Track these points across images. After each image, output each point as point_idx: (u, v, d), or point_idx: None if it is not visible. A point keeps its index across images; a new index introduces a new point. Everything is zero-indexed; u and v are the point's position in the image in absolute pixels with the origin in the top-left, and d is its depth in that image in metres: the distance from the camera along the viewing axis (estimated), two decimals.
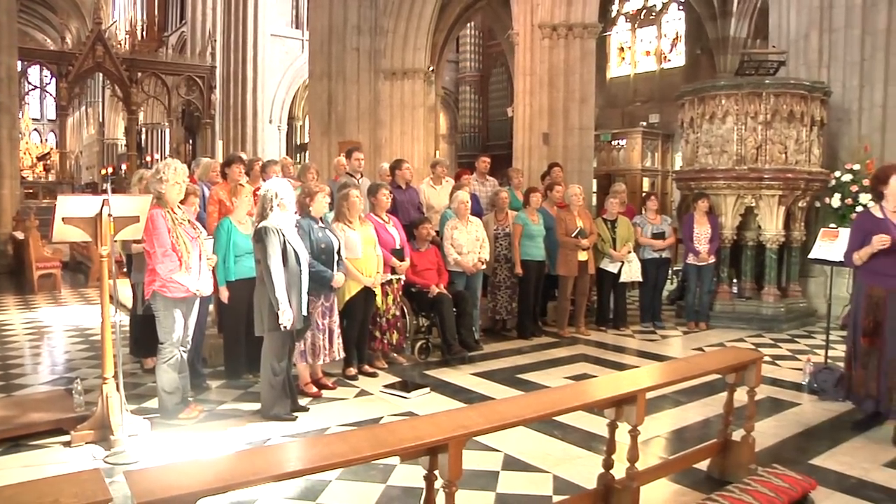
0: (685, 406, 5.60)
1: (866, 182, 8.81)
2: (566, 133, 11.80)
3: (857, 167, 8.94)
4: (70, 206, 4.50)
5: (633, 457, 3.45)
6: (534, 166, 11.50)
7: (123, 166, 23.75)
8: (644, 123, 19.08)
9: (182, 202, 5.28)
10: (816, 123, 8.76)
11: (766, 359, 6.75)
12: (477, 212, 8.13)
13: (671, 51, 21.29)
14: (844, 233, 6.21)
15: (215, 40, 22.54)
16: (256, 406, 5.33)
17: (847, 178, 8.95)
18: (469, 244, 7.44)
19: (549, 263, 8.21)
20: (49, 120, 41.51)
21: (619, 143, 17.61)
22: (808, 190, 8.85)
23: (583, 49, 11.86)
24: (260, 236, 5.01)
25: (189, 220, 5.18)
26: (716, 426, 4.48)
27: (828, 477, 4.19)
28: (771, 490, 3.67)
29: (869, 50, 9.16)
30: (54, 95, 21.48)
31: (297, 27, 24.73)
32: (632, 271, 8.54)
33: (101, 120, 34.77)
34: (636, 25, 22.13)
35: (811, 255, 6.56)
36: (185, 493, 2.22)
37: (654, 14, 21.70)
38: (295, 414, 5.23)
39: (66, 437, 4.63)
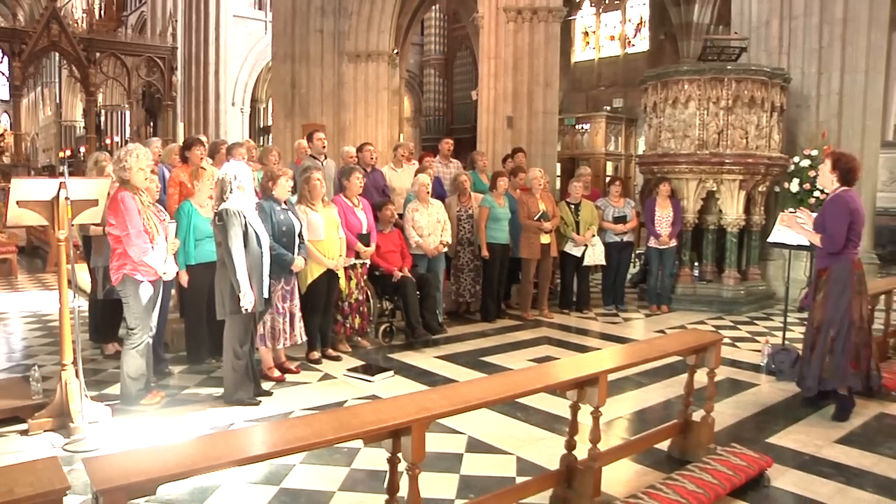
0: (647, 388, 5.68)
1: None
2: (530, 117, 11.80)
3: (815, 153, 9.09)
4: (26, 189, 4.40)
5: (595, 438, 3.49)
6: (498, 149, 11.49)
7: (82, 149, 23.26)
8: (608, 108, 19.20)
9: None
10: (776, 109, 8.89)
11: (726, 341, 6.89)
12: (440, 194, 8.13)
13: (635, 36, 21.42)
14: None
15: (176, 20, 22.11)
16: (219, 391, 5.29)
17: (805, 163, 9.10)
18: (430, 226, 7.44)
19: (513, 247, 8.24)
20: (2, 100, 40.39)
21: (583, 128, 17.72)
22: (768, 175, 8.99)
23: (547, 33, 11.85)
24: (221, 218, 4.95)
25: (153, 204, 5.12)
26: (676, 407, 4.55)
27: (783, 454, 4.30)
28: (729, 468, 3.75)
29: (826, 38, 9.31)
30: (7, 75, 20.90)
31: (260, 8, 24.37)
32: (595, 255, 8.62)
33: (58, 101, 34.03)
34: (601, 10, 22.22)
35: (770, 239, 6.67)
36: (145, 480, 2.19)
37: None
38: (258, 398, 5.20)
39: (23, 426, 4.54)
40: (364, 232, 6.69)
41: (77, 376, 4.49)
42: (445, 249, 7.62)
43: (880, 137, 9.68)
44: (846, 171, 5.04)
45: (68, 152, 27.30)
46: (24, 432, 4.49)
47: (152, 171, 5.44)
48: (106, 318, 6.27)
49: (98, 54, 20.59)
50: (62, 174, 4.41)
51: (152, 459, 2.40)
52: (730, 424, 4.84)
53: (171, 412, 4.98)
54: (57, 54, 21.96)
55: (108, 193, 4.93)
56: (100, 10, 26.54)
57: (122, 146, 5.46)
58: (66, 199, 4.35)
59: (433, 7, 23.61)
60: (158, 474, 2.23)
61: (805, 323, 5.34)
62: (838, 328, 4.98)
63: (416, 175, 7.85)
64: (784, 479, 3.96)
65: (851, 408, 5.04)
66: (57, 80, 33.29)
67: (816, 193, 8.85)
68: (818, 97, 9.44)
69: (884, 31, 9.44)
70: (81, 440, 4.31)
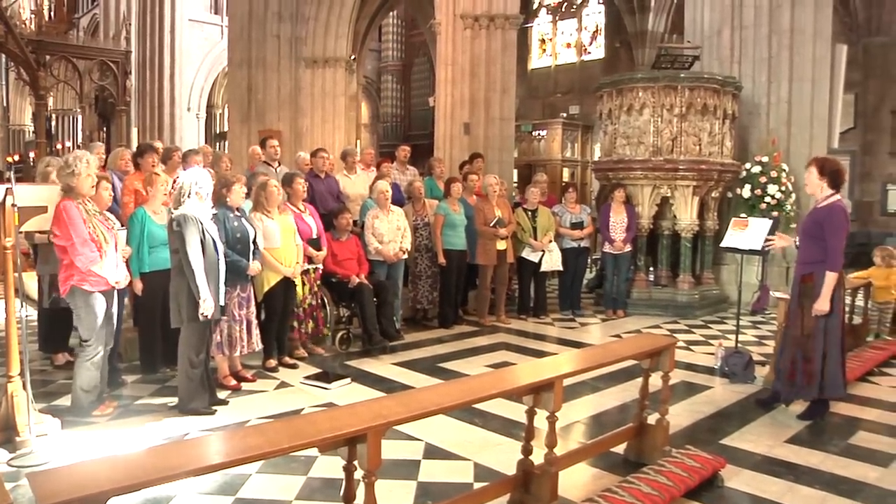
0: (603, 392, 5.73)
1: (774, 174, 9.22)
2: (487, 123, 11.85)
3: (765, 159, 9.32)
4: None
5: (551, 442, 3.51)
6: (455, 156, 11.52)
7: (32, 154, 22.65)
8: (564, 115, 19.34)
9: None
10: (728, 117, 9.07)
11: (681, 344, 7.00)
12: (398, 200, 8.11)
13: (591, 43, 21.66)
14: (754, 222, 6.46)
15: (130, 24, 21.70)
16: (174, 400, 5.20)
17: (756, 169, 9.31)
18: (390, 233, 7.42)
19: (470, 253, 8.25)
20: None
21: (539, 134, 17.81)
22: (721, 181, 9.17)
23: (504, 40, 11.91)
24: (178, 224, 4.87)
25: (100, 212, 5.01)
26: (632, 411, 4.60)
27: (736, 455, 4.37)
28: (683, 470, 3.80)
29: (775, 48, 9.56)
30: None
31: (216, 13, 24.09)
32: (552, 260, 8.67)
33: (4, 104, 33.13)
34: (557, 18, 22.43)
35: (723, 244, 6.79)
36: (94, 493, 2.13)
37: (574, 7, 22.05)
38: (214, 407, 5.12)
39: None
40: (314, 237, 6.65)
41: (24, 388, 4.37)
42: (405, 256, 7.60)
43: (826, 145, 9.93)
44: (834, 173, 4.93)
45: (17, 157, 26.62)
46: None
47: (105, 179, 5.34)
48: (55, 328, 6.12)
49: (48, 57, 20.01)
50: (9, 180, 4.31)
51: (102, 471, 2.34)
52: (684, 427, 4.91)
53: (124, 423, 4.88)
54: (3, 56, 21.36)
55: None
56: (49, 11, 25.90)
57: (73, 152, 5.32)
58: (13, 205, 4.25)
59: (391, 13, 23.58)
60: (108, 487, 2.17)
61: (758, 326, 5.41)
62: (838, 334, 4.98)
63: (374, 182, 7.83)
64: (737, 479, 4.03)
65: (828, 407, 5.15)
66: (4, 82, 32.39)
67: (767, 199, 9.06)
68: (768, 105, 9.68)
69: (827, 43, 9.73)
70: (28, 454, 4.20)
